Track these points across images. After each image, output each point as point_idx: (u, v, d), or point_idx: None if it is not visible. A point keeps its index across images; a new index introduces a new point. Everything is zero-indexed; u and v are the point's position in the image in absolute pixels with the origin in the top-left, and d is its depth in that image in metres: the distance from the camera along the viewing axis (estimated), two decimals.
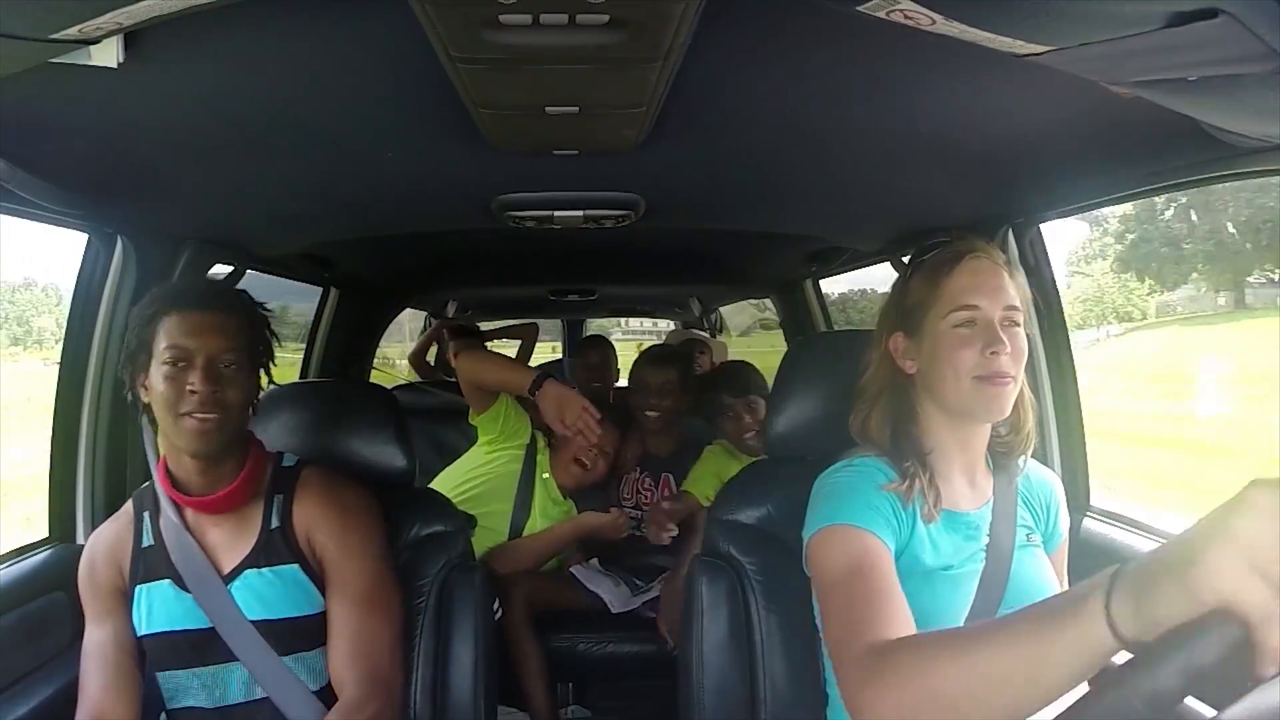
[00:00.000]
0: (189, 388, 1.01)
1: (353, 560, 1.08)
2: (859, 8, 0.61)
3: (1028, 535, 1.00)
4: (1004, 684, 0.54)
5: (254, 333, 1.09)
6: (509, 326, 3.59)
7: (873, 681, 0.66)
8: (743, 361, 2.15)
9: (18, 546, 1.31)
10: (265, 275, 1.88)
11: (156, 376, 1.02)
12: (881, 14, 0.61)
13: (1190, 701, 0.44)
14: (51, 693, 1.12)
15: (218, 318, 1.04)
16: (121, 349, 1.07)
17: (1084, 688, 0.87)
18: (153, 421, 1.08)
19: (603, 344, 2.74)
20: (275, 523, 1.09)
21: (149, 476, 1.13)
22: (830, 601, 0.84)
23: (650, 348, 2.41)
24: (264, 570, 1.07)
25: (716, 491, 1.96)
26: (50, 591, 1.22)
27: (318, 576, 1.09)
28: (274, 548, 1.08)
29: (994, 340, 0.90)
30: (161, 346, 1.02)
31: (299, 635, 1.07)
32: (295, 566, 1.08)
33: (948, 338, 0.93)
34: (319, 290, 2.48)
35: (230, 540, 1.08)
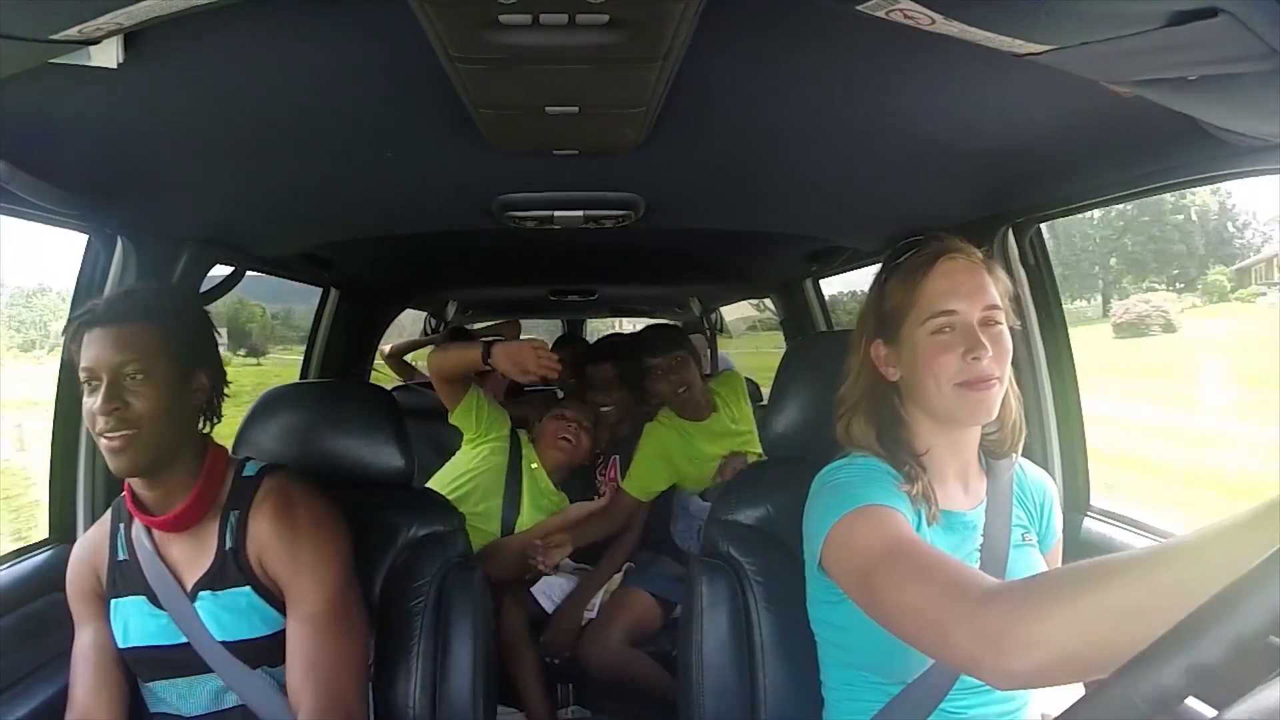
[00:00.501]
0: (95, 409, 0.98)
1: (305, 579, 1.04)
2: (859, 7, 0.61)
3: (1023, 535, 0.99)
4: (1193, 591, 0.50)
5: (172, 333, 1.03)
6: (491, 325, 3.58)
7: (1024, 616, 0.65)
8: (660, 323, 2.15)
9: (19, 547, 1.31)
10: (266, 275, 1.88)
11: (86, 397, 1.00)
12: (881, 14, 0.61)
13: (1190, 701, 0.44)
14: (51, 694, 1.12)
15: (119, 329, 0.99)
16: None
17: (1081, 688, 0.87)
18: None
19: (576, 342, 2.80)
20: (229, 543, 1.05)
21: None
22: (887, 575, 0.80)
23: (592, 345, 2.45)
24: (219, 593, 1.05)
25: (662, 477, 1.97)
26: (50, 592, 1.21)
27: (273, 596, 1.06)
28: (227, 570, 1.05)
29: (974, 345, 0.89)
30: (80, 369, 1.00)
31: (262, 653, 1.05)
32: (248, 589, 1.05)
33: (927, 345, 0.91)
34: (317, 292, 2.48)
35: (191, 558, 1.06)
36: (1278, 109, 0.68)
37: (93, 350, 0.99)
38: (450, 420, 1.99)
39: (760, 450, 2.03)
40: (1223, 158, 0.95)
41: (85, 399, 1.00)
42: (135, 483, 1.04)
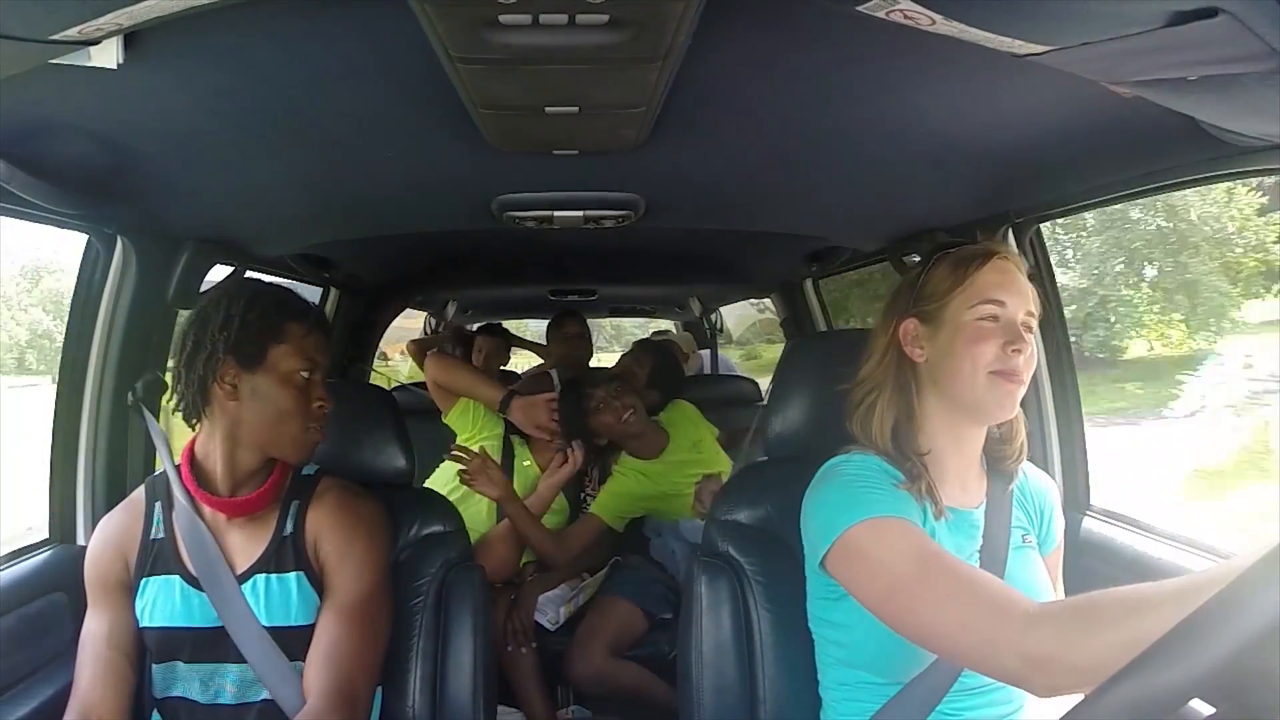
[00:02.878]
0: (317, 403, 1.07)
1: (349, 571, 1.08)
2: (859, 8, 0.61)
3: (1023, 537, 0.99)
4: None
5: None
6: (533, 342, 3.52)
7: (1073, 643, 0.68)
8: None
9: (19, 547, 1.31)
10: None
11: (277, 384, 1.05)
12: (881, 14, 0.61)
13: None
14: (51, 694, 1.12)
15: (325, 338, 1.11)
16: (206, 332, 1.05)
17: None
18: (154, 412, 1.08)
19: (569, 322, 2.78)
20: (289, 529, 1.09)
21: (148, 475, 1.13)
22: (919, 592, 0.81)
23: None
24: (271, 576, 1.07)
25: (635, 509, 1.95)
26: (50, 592, 1.21)
27: (320, 584, 1.08)
28: (284, 554, 1.08)
29: (1016, 338, 0.91)
30: (293, 356, 1.06)
31: (302, 643, 1.06)
32: (300, 574, 1.08)
33: (970, 329, 0.92)
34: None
35: (245, 543, 1.08)
36: (1278, 109, 0.68)
37: (315, 345, 1.09)
38: (444, 421, 2.02)
39: (728, 467, 2.04)
40: (1223, 158, 0.95)
41: (295, 386, 1.06)
42: (244, 461, 1.07)
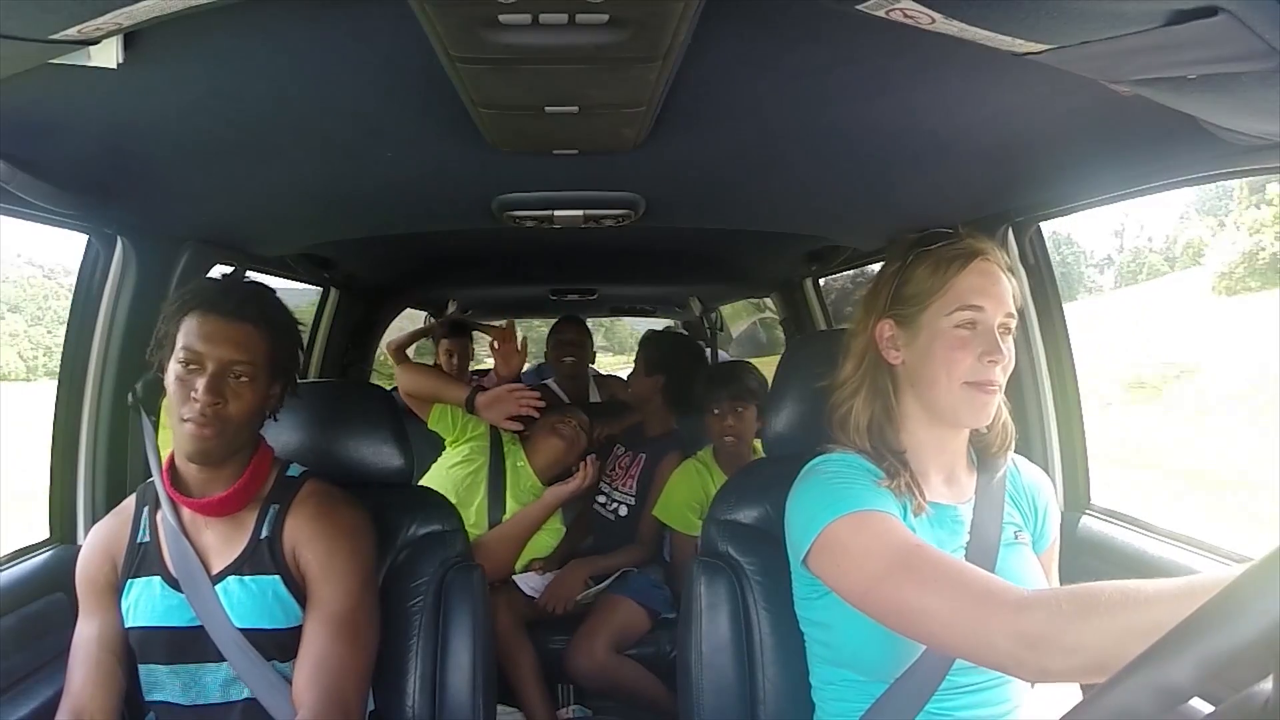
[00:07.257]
0: (192, 394, 1.01)
1: (333, 582, 1.07)
2: (858, 6, 0.61)
3: (1015, 533, 0.99)
4: None
5: (278, 344, 1.08)
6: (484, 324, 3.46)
7: (1067, 624, 0.68)
8: (745, 363, 2.12)
9: (20, 547, 1.31)
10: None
11: (170, 373, 1.03)
12: (881, 13, 0.61)
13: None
14: (51, 694, 1.12)
15: (238, 327, 1.03)
16: (151, 339, 1.08)
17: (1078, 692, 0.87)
18: (153, 413, 1.10)
19: (577, 324, 2.81)
20: (265, 532, 1.08)
21: (149, 477, 1.13)
22: (904, 580, 0.80)
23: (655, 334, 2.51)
24: (245, 579, 1.07)
25: (695, 515, 1.95)
26: (50, 592, 1.21)
27: (300, 591, 1.08)
28: (259, 557, 1.08)
29: (993, 348, 0.89)
30: (178, 345, 1.03)
31: (278, 645, 1.06)
32: (276, 578, 1.07)
33: (947, 337, 0.91)
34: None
35: (221, 545, 1.08)
36: (1278, 109, 0.68)
37: (205, 333, 1.02)
38: (429, 427, 2.00)
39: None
40: (1223, 157, 0.95)
41: (175, 377, 1.02)
42: (189, 466, 1.06)
